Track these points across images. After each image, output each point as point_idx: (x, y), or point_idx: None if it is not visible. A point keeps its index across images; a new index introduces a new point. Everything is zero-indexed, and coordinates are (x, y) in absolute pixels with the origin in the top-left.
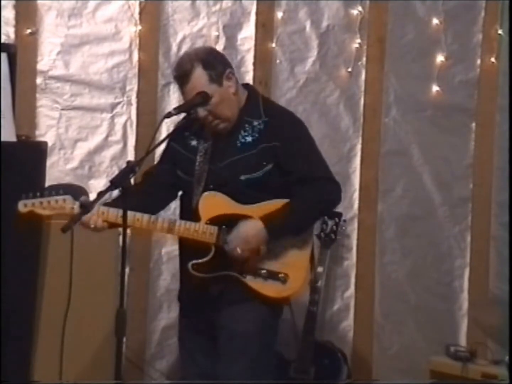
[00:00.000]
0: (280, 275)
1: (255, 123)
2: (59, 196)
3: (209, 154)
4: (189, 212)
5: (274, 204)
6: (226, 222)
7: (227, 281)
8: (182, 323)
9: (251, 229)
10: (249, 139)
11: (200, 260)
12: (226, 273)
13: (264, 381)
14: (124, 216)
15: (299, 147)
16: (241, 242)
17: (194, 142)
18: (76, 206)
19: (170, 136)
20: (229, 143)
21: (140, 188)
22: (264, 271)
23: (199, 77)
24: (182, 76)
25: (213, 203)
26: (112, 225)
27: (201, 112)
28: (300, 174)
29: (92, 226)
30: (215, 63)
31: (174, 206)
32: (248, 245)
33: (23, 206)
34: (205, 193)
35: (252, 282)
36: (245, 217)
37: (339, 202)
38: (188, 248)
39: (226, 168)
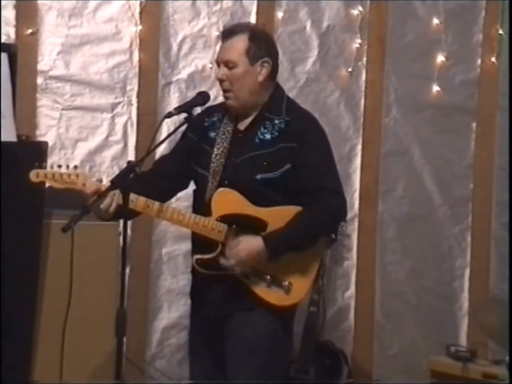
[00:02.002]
0: (284, 283)
1: (276, 121)
2: (73, 171)
3: (226, 148)
4: (201, 206)
5: (288, 210)
6: (237, 222)
7: (231, 282)
8: (191, 322)
9: (251, 248)
10: (268, 136)
11: (205, 256)
12: (229, 272)
13: (264, 381)
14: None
15: (314, 155)
16: (238, 261)
17: (212, 134)
18: (88, 184)
19: (169, 137)
20: (247, 139)
21: (148, 176)
22: (268, 277)
23: (240, 42)
24: (227, 32)
25: (227, 200)
26: (118, 216)
27: (221, 72)
28: (310, 183)
29: (102, 207)
30: (261, 45)
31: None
32: (246, 264)
33: (35, 175)
34: (220, 189)
35: (255, 286)
36: (256, 220)
37: (345, 217)
38: (198, 244)
39: (242, 164)
